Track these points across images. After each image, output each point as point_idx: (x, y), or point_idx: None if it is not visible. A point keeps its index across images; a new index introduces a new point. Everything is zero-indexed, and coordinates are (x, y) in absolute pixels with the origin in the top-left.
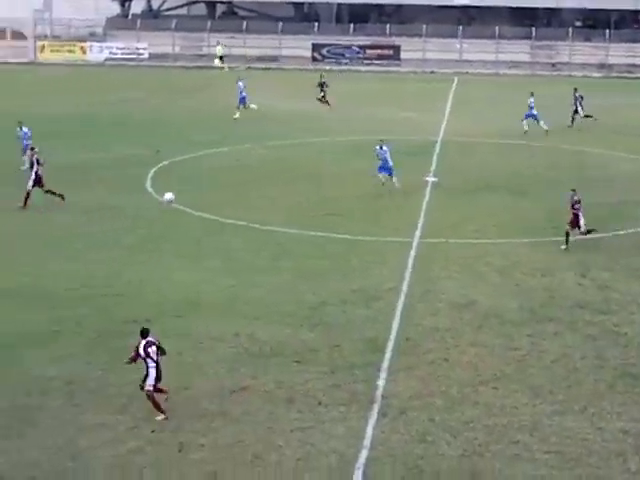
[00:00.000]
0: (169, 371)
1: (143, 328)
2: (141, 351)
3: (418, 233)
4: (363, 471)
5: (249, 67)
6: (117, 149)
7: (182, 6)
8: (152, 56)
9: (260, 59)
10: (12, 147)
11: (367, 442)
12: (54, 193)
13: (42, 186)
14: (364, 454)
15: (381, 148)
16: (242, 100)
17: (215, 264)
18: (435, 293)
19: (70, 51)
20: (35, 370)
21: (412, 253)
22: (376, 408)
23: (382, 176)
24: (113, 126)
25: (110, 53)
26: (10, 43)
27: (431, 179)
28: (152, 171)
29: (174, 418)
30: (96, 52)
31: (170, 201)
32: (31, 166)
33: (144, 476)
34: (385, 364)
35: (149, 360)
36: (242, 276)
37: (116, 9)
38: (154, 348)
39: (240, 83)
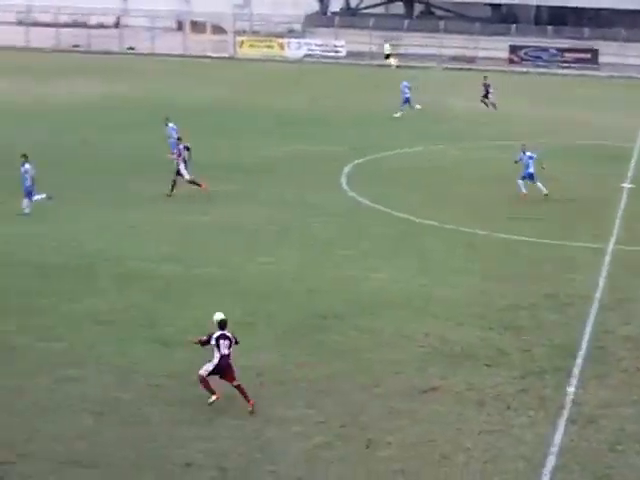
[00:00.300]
0: (359, 368)
1: (221, 319)
2: (213, 341)
3: (613, 240)
4: (550, 478)
5: (446, 67)
6: (313, 145)
7: (380, 4)
8: (349, 54)
9: (456, 59)
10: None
11: (555, 449)
12: (173, 187)
13: (177, 174)
14: (552, 461)
15: (524, 153)
16: (406, 101)
17: (408, 263)
18: (629, 301)
19: (269, 47)
20: None
21: (606, 260)
22: (565, 415)
23: (524, 185)
24: (310, 122)
25: (308, 50)
26: (210, 37)
27: (628, 186)
28: (347, 168)
29: (363, 415)
30: (294, 49)
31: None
32: (179, 155)
33: (331, 471)
34: (576, 370)
35: (216, 351)
36: (434, 276)
37: (315, 6)
38: (227, 342)
39: (405, 83)
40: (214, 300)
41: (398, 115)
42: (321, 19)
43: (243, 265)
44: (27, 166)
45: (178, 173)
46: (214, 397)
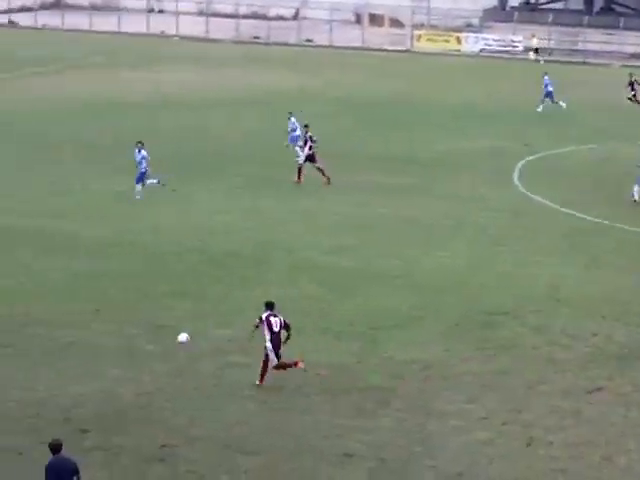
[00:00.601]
0: (524, 365)
1: (268, 301)
2: (264, 321)
3: None
4: None
5: (623, 65)
6: (487, 140)
7: (559, 0)
8: (526, 49)
9: (635, 57)
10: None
11: None
12: (323, 172)
13: (315, 162)
14: None
15: None
16: (548, 95)
17: (577, 261)
18: None
19: (446, 41)
20: (393, 353)
21: None
22: None
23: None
24: (485, 117)
25: (485, 45)
26: (388, 30)
27: None
28: (519, 164)
29: (526, 412)
30: (471, 43)
31: (183, 342)
32: (305, 143)
33: (491, 468)
34: None
35: (267, 332)
36: (603, 275)
37: (493, 1)
38: (277, 320)
39: (546, 77)
40: (386, 292)
41: (540, 109)
42: (499, 14)
43: (417, 258)
44: (144, 152)
45: (313, 160)
46: (301, 364)
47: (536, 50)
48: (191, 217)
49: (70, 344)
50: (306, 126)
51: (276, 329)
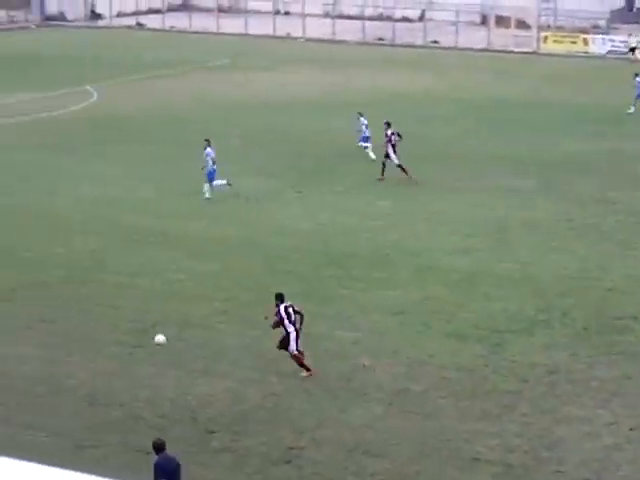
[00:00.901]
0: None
1: (277, 293)
2: (283, 314)
3: None
4: None
5: None
6: (613, 142)
7: None
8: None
9: None
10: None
11: None
12: (383, 170)
13: (387, 157)
14: None
15: None
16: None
17: None
18: None
19: (573, 42)
20: (519, 356)
21: None
22: None
23: None
24: (609, 118)
25: (612, 46)
26: (513, 32)
27: None
28: None
29: None
30: (599, 45)
31: (159, 343)
32: (389, 140)
33: (620, 474)
34: None
35: (288, 323)
36: None
37: (621, 2)
38: (291, 311)
39: (638, 79)
40: (510, 295)
41: (632, 110)
42: (627, 15)
43: (539, 261)
44: (208, 149)
45: (387, 156)
46: (306, 373)
47: (632, 50)
48: (311, 218)
49: (197, 345)
50: (387, 124)
51: (294, 318)
